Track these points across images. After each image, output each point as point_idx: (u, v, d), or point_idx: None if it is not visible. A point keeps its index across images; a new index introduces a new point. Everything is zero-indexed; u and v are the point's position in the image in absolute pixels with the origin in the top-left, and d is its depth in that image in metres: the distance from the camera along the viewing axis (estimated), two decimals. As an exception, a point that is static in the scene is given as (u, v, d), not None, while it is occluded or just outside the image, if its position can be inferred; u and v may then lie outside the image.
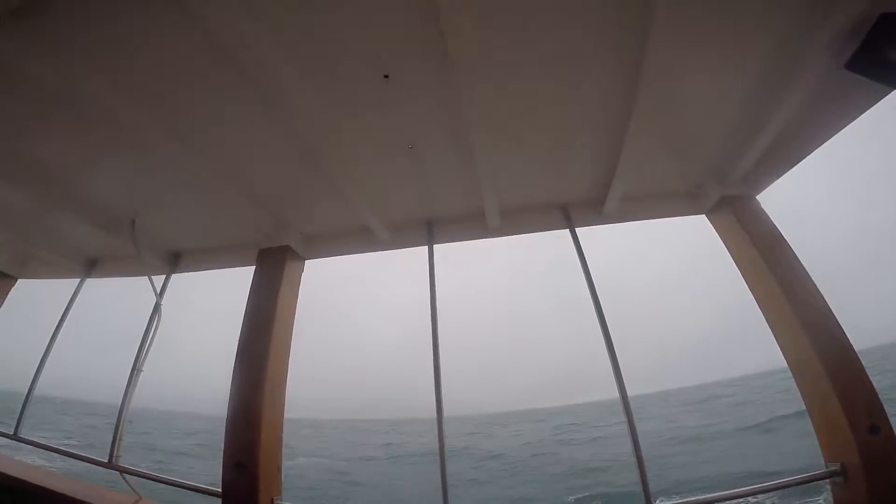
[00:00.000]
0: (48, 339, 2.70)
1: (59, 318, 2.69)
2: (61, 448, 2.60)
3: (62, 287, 3.09)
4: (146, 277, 2.37)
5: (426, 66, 1.36)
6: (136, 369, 2.32)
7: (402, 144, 1.74)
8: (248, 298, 2.22)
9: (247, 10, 1.13)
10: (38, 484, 2.08)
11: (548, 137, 1.77)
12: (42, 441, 2.65)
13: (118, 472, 2.23)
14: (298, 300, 2.32)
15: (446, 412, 1.96)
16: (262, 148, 1.74)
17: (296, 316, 2.29)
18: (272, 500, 1.84)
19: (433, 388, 1.99)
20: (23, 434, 2.57)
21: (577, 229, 2.20)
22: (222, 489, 1.86)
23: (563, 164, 1.97)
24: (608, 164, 1.91)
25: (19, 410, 2.63)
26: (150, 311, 2.39)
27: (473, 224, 2.28)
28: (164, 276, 2.49)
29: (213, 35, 1.18)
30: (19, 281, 3.08)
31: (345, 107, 1.53)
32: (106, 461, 2.23)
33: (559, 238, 2.23)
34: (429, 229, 2.30)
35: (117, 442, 2.26)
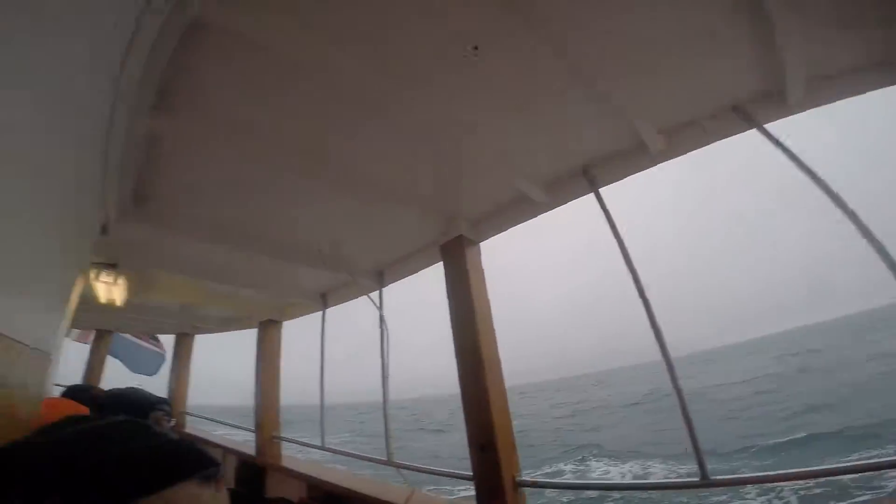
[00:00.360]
0: (319, 362, 3.50)
1: (320, 344, 3.47)
2: (356, 453, 3.27)
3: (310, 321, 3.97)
4: (366, 296, 2.91)
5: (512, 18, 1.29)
6: (384, 376, 2.83)
7: (519, 104, 1.67)
8: (447, 293, 2.44)
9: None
10: (350, 488, 2.68)
11: (677, 48, 1.47)
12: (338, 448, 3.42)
13: (394, 468, 2.71)
14: (487, 282, 2.47)
15: (648, 355, 1.85)
16: (408, 154, 1.91)
17: (489, 299, 2.44)
18: (513, 477, 1.98)
19: (647, 330, 1.87)
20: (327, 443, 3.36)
21: (767, 126, 1.73)
22: (473, 472, 2.08)
23: (709, 63, 1.58)
24: (766, 44, 1.47)
25: (320, 424, 3.35)
26: (378, 323, 2.88)
27: (633, 156, 2.01)
28: (377, 292, 2.99)
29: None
30: (283, 323, 4.13)
31: (450, 91, 1.55)
32: (385, 459, 2.74)
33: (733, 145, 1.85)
34: (587, 175, 2.15)
35: (388, 441, 2.75)
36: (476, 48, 1.37)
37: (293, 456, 3.85)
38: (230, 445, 4.28)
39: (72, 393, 2.09)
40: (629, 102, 1.69)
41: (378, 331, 2.82)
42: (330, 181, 1.98)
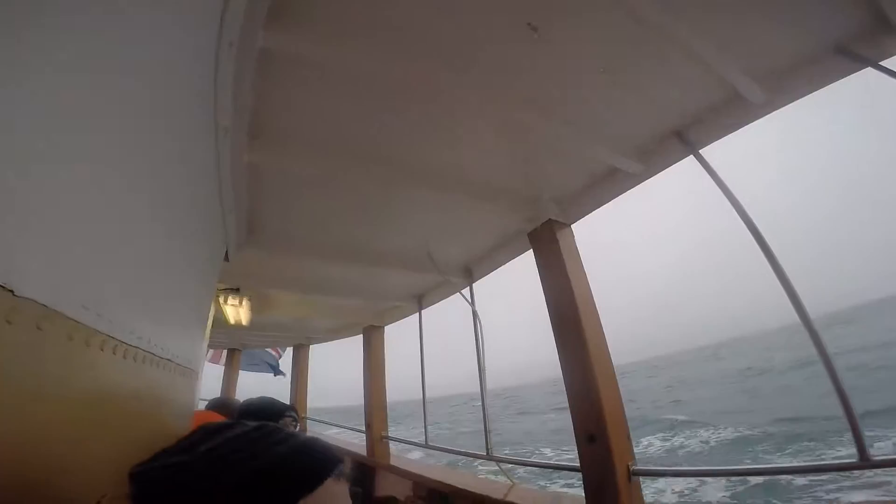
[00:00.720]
0: (419, 362, 3.61)
1: (419, 345, 3.59)
2: (457, 449, 3.36)
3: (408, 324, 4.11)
4: (458, 294, 2.93)
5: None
6: (481, 370, 2.81)
7: (595, 72, 1.51)
8: (541, 281, 2.34)
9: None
10: (452, 484, 2.72)
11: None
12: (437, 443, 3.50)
13: (494, 462, 2.68)
14: (584, 265, 2.33)
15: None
16: (488, 147, 1.87)
17: (588, 281, 2.30)
18: (628, 466, 1.84)
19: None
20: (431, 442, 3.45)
21: (883, 62, 1.40)
22: (580, 463, 1.95)
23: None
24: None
25: (423, 423, 3.44)
26: (471, 319, 2.89)
27: (731, 111, 1.75)
28: (468, 288, 2.99)
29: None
30: (385, 327, 4.35)
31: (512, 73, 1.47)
32: (485, 454, 2.71)
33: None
34: (681, 138, 1.92)
35: (487, 435, 2.72)
36: (534, 27, 1.29)
37: (399, 455, 4.02)
38: (345, 447, 4.58)
39: (214, 405, 2.40)
40: (718, 53, 1.46)
41: (469, 326, 2.82)
42: (417, 187, 2.01)
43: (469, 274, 3.01)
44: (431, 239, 2.67)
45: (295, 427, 2.17)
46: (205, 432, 0.56)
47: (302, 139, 1.69)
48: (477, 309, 2.84)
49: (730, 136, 1.84)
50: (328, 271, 3.05)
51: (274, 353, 7.13)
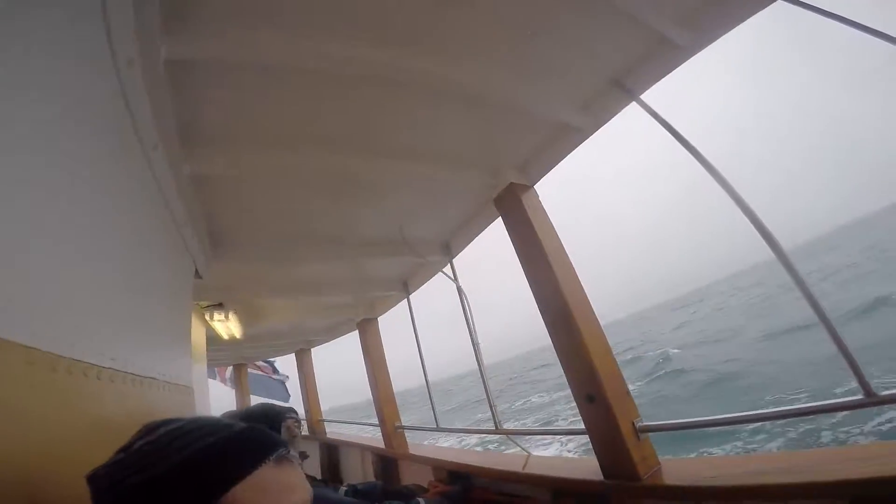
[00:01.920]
0: (416, 348, 3.66)
1: (413, 331, 3.62)
2: (467, 428, 3.40)
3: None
4: (440, 272, 2.95)
5: None
6: (475, 344, 2.83)
7: (523, 34, 1.50)
8: (513, 246, 2.34)
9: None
10: (469, 463, 2.73)
11: None
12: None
13: (504, 436, 2.72)
14: (554, 222, 2.33)
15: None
16: (447, 123, 1.87)
17: (559, 238, 2.31)
18: (633, 423, 1.85)
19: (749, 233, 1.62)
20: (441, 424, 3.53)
21: None
22: (585, 425, 1.98)
23: None
24: None
25: (431, 407, 3.46)
26: (457, 296, 2.90)
27: (662, 55, 1.72)
28: (449, 264, 3.01)
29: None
30: (378, 318, 4.38)
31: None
32: (494, 429, 2.75)
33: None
34: (621, 86, 1.91)
35: (493, 409, 2.74)
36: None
37: (417, 443, 4.06)
38: (366, 443, 4.63)
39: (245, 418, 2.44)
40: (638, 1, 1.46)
41: (457, 305, 2.84)
42: (380, 169, 2.00)
43: (448, 250, 3.01)
44: (405, 220, 2.66)
45: (298, 428, 2.20)
46: (146, 429, 0.57)
47: (247, 139, 1.65)
48: (462, 285, 2.85)
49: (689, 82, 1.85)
50: (309, 271, 3.05)
51: (262, 372, 7.21)
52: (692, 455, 9.79)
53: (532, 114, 1.95)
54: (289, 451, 0.59)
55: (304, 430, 5.97)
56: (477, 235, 2.87)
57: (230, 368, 7.04)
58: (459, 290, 2.82)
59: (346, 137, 1.80)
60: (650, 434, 1.87)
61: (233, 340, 4.29)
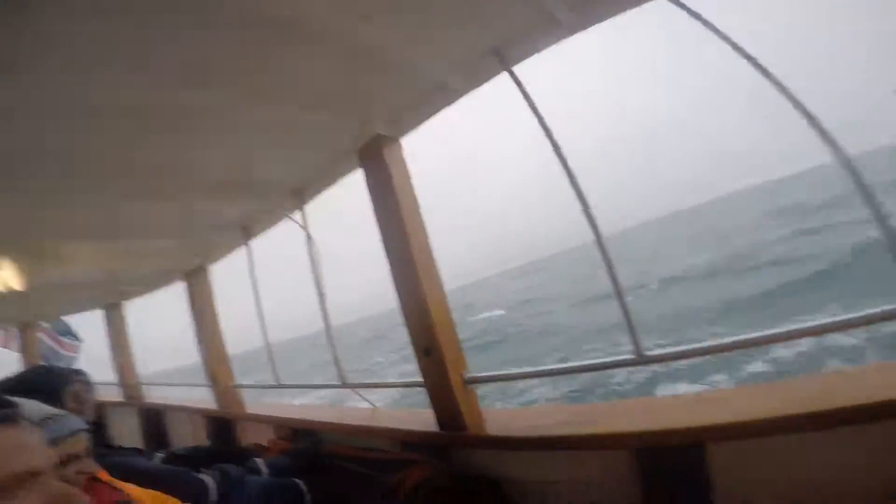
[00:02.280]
0: (254, 302, 3.35)
1: (252, 283, 3.26)
2: (311, 383, 3.26)
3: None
4: (288, 218, 2.68)
5: None
6: (321, 294, 2.70)
7: None
8: (370, 200, 2.29)
9: None
10: (314, 420, 2.68)
11: None
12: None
13: (350, 390, 2.69)
14: (415, 179, 2.30)
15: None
16: (313, 69, 1.67)
17: (417, 195, 2.29)
18: (461, 375, 2.00)
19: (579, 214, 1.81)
20: (282, 381, 3.33)
21: None
22: (423, 378, 2.09)
23: None
24: None
25: (270, 364, 3.27)
26: (306, 245, 2.71)
27: (543, 31, 1.79)
28: (300, 212, 2.75)
29: None
30: (211, 268, 3.84)
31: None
32: (339, 383, 2.68)
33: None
34: (498, 56, 1.96)
35: (339, 364, 2.66)
36: None
37: (259, 402, 3.85)
38: (194, 405, 4.20)
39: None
40: None
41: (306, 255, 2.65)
42: (223, 100, 1.68)
43: (300, 195, 2.74)
44: (253, 159, 2.32)
45: (89, 393, 1.80)
46: None
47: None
48: (312, 234, 2.66)
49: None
50: (127, 211, 2.48)
51: (69, 352, 5.75)
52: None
53: (408, 68, 1.87)
54: (15, 413, 0.57)
55: (107, 396, 5.04)
56: (333, 184, 2.68)
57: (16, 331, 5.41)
58: (308, 237, 2.63)
59: (178, 70, 1.43)
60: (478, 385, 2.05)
61: (11, 292, 3.27)
